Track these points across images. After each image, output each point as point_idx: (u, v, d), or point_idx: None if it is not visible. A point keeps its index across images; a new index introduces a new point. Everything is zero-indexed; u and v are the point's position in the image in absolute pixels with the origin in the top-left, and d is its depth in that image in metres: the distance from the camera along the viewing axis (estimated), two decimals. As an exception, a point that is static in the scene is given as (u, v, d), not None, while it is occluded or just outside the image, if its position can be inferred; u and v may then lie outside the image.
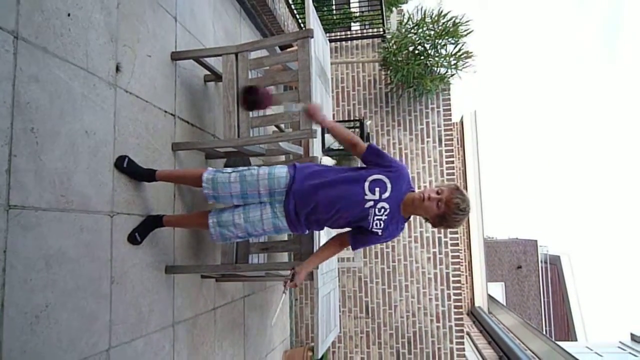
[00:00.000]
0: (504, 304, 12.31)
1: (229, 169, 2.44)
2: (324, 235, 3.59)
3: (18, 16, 1.81)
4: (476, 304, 9.55)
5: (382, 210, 2.26)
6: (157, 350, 2.67)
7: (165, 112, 2.86)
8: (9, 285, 1.71)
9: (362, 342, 5.86)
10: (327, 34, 5.95)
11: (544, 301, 19.71)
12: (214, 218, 2.45)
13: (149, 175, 2.54)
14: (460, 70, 5.59)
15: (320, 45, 3.81)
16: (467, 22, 5.50)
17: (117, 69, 2.42)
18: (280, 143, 3.17)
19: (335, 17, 7.00)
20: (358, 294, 5.91)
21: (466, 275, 9.69)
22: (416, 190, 2.35)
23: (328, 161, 4.22)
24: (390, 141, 6.08)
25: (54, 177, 1.95)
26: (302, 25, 5.85)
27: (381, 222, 2.28)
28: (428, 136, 6.01)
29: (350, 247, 2.49)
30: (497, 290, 18.66)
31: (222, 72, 3.02)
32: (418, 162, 5.98)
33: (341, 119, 6.13)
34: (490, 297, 10.26)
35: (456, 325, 5.70)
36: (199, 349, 3.21)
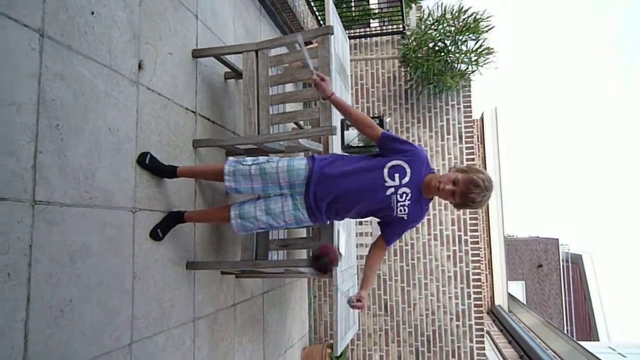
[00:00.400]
0: (524, 302, 12.18)
1: (249, 160, 2.46)
2: (342, 233, 3.58)
3: (44, 14, 1.83)
4: (496, 303, 9.45)
5: (404, 195, 2.26)
6: (178, 345, 2.69)
7: (187, 109, 2.88)
8: (35, 280, 1.74)
9: (381, 340, 5.84)
10: (347, 31, 5.92)
11: (565, 300, 19.43)
12: (235, 210, 2.48)
13: (171, 172, 2.57)
14: (481, 66, 5.52)
15: (339, 42, 3.80)
16: (487, 18, 5.42)
17: (140, 66, 2.44)
18: (299, 140, 3.17)
19: (354, 14, 6.97)
20: (377, 292, 5.89)
21: (486, 274, 9.59)
22: (435, 171, 2.35)
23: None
24: (409, 138, 6.03)
25: (78, 173, 1.97)
26: (321, 22, 5.84)
27: (405, 207, 2.28)
28: (448, 133, 5.96)
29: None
30: (518, 289, 18.45)
31: (243, 69, 3.03)
32: (438, 159, 5.93)
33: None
34: (510, 296, 10.15)
35: (476, 324, 5.64)
36: (219, 344, 3.23)
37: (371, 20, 7.43)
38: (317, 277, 2.79)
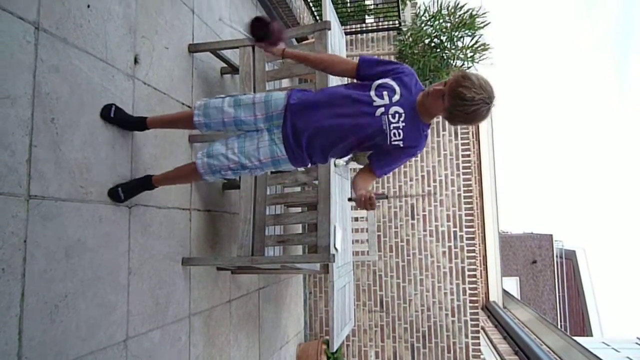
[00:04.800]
0: (519, 298, 12.23)
1: (222, 95, 2.20)
2: (338, 229, 3.58)
3: (40, 7, 1.81)
4: (491, 299, 9.49)
5: (397, 115, 1.98)
6: (173, 341, 2.68)
7: (182, 103, 2.87)
8: (30, 275, 1.72)
9: (377, 336, 5.85)
10: (342, 27, 5.92)
11: (559, 296, 19.55)
12: (203, 150, 2.16)
13: (140, 123, 2.31)
14: (477, 62, 5.54)
15: (336, 37, 3.79)
16: (483, 14, 5.44)
17: (135, 60, 2.42)
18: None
19: (349, 10, 6.95)
20: (372, 288, 5.90)
21: (481, 270, 9.63)
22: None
23: (340, 162, 4.19)
24: (405, 134, 6.04)
25: (73, 168, 1.96)
26: (317, 18, 5.82)
27: (399, 130, 1.99)
28: (444, 129, 5.96)
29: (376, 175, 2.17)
30: (512, 284, 18.54)
31: (239, 64, 3.01)
32: (434, 155, 5.93)
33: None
34: (505, 292, 10.19)
35: (471, 319, 5.66)
36: (215, 340, 3.23)
37: (367, 17, 7.42)
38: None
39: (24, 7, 1.75)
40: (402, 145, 2.03)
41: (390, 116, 1.98)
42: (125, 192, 2.23)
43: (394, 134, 2.00)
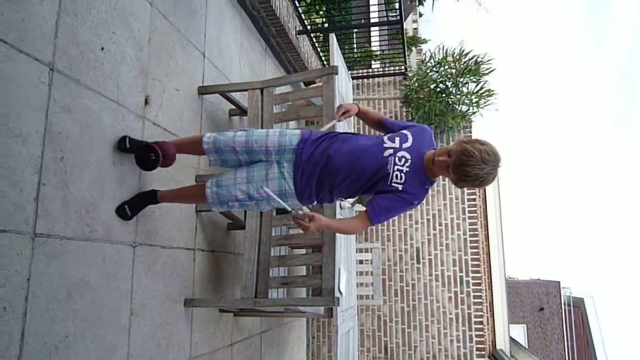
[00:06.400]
0: (526, 347, 11.90)
1: (235, 130, 2.25)
2: (343, 272, 3.53)
3: (55, 49, 1.86)
4: (498, 347, 9.24)
5: (403, 160, 2.02)
6: (173, 385, 2.61)
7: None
8: (31, 314, 1.70)
9: (381, 383, 5.69)
10: (349, 72, 6.03)
11: (567, 345, 19.04)
12: (212, 179, 2.20)
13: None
14: (482, 108, 5.60)
15: (343, 81, 3.85)
16: (488, 61, 5.53)
17: (146, 101, 2.47)
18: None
19: (356, 55, 7.11)
20: (377, 333, 5.78)
21: (487, 316, 9.43)
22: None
23: (346, 204, 4.19)
24: (411, 177, 6.05)
25: (80, 206, 1.96)
26: (324, 62, 5.94)
27: (402, 174, 2.01)
28: (449, 173, 5.97)
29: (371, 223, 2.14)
30: (519, 332, 18.11)
31: (248, 106, 3.06)
32: (439, 199, 5.92)
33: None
34: (512, 340, 9.94)
35: (478, 368, 5.51)
36: (215, 385, 3.14)
37: (373, 62, 7.58)
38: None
39: (40, 49, 1.80)
40: (400, 189, 2.03)
41: (397, 158, 2.02)
42: (132, 207, 2.25)
43: (396, 175, 2.01)
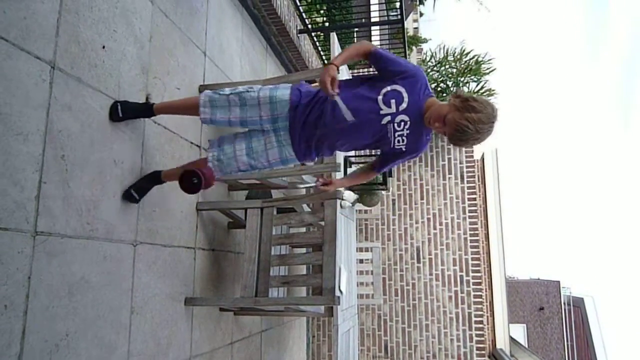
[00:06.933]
0: (526, 346, 11.89)
1: (227, 90, 2.18)
2: (343, 271, 3.54)
3: (56, 47, 1.86)
4: (498, 346, 9.24)
5: (402, 123, 2.02)
6: (173, 384, 2.61)
7: (191, 143, 2.89)
8: (31, 313, 1.70)
9: (381, 382, 5.69)
10: (350, 71, 6.03)
11: (567, 345, 19.04)
12: (214, 152, 2.22)
13: (148, 110, 2.30)
14: (483, 107, 5.59)
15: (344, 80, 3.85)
16: (489, 60, 5.54)
17: (147, 100, 2.46)
18: (303, 176, 3.18)
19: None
20: (377, 333, 5.78)
21: (487, 316, 9.43)
22: (433, 95, 2.08)
23: (350, 195, 4.20)
24: (411, 177, 6.05)
25: (81, 205, 1.96)
26: (325, 61, 5.94)
27: (403, 137, 2.05)
28: (450, 172, 5.97)
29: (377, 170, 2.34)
30: (519, 332, 18.11)
31: (248, 105, 3.05)
32: (440, 198, 5.92)
33: (362, 154, 6.13)
34: (512, 340, 9.94)
35: (478, 368, 5.51)
36: (215, 384, 3.14)
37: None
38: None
39: (42, 47, 1.80)
40: (404, 150, 2.11)
41: (395, 124, 2.03)
42: (138, 190, 2.29)
43: (398, 140, 2.07)
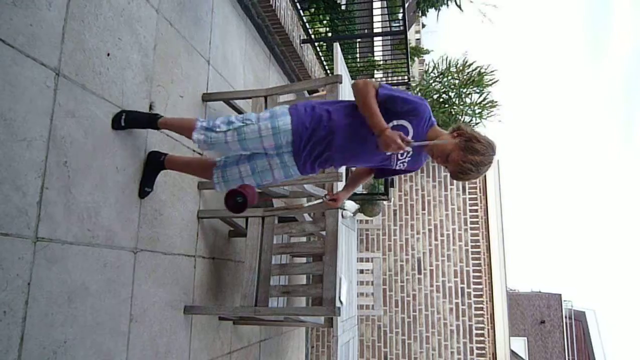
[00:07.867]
0: (527, 360, 11.82)
1: (222, 126, 2.10)
2: (344, 282, 3.52)
3: (61, 54, 1.87)
4: (498, 359, 9.18)
5: (405, 154, 2.13)
6: (171, 393, 2.60)
7: (194, 150, 2.90)
8: (30, 319, 1.69)
9: (380, 394, 5.64)
10: (352, 81, 6.05)
11: (568, 359, 18.89)
12: (218, 172, 2.26)
13: (152, 122, 2.28)
14: (485, 118, 5.60)
15: (347, 91, 3.86)
16: (492, 72, 5.55)
17: (150, 107, 2.47)
18: (305, 185, 3.17)
19: (359, 65, 7.14)
20: (377, 344, 5.74)
21: (488, 329, 9.37)
22: (435, 124, 2.13)
23: (352, 205, 4.19)
24: (413, 187, 6.04)
25: (82, 211, 1.96)
26: (328, 71, 5.96)
27: (404, 163, 2.19)
28: (451, 183, 5.97)
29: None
30: (520, 345, 17.98)
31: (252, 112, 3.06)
32: (441, 209, 5.91)
33: (364, 164, 6.13)
34: (513, 353, 9.87)
35: (478, 381, 5.47)
36: (214, 394, 3.12)
37: (376, 71, 7.60)
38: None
39: (47, 54, 1.81)
40: (403, 169, 2.25)
41: (399, 154, 2.13)
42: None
43: (400, 165, 2.20)
